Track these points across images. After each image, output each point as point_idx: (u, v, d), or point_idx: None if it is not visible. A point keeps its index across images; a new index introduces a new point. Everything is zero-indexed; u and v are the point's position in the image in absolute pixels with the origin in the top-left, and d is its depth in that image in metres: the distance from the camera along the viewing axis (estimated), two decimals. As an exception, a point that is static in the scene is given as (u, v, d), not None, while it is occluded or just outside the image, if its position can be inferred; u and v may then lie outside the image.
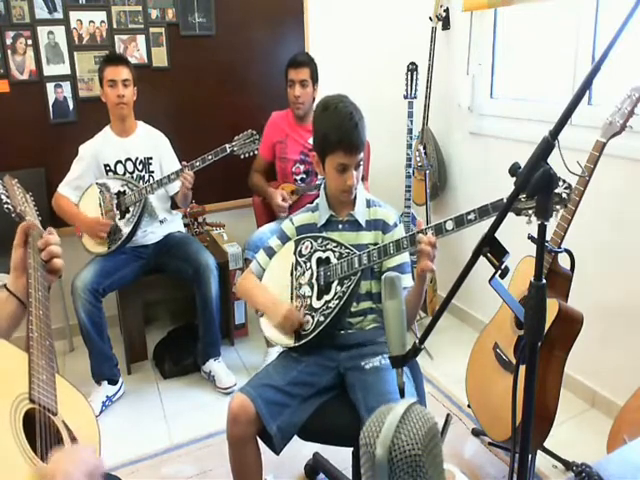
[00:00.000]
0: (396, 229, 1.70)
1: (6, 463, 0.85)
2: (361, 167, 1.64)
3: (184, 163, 2.51)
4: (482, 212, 1.41)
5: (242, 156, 2.54)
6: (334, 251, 1.64)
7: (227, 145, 2.50)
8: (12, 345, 1.05)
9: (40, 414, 0.96)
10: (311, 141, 1.78)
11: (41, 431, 0.93)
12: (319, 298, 1.63)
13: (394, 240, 1.54)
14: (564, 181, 1.19)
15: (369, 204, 1.73)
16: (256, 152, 2.59)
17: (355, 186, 1.64)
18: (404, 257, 1.67)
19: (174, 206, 2.87)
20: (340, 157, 1.58)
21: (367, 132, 1.62)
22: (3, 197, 1.38)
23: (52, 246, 1.21)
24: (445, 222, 1.46)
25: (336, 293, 1.60)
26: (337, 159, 1.59)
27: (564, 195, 1.21)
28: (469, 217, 1.42)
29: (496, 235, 1.04)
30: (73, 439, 0.99)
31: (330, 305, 1.60)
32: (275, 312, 1.66)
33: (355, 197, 1.69)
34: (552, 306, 1.71)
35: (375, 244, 1.67)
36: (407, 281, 1.64)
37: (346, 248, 1.62)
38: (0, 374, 0.98)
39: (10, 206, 1.35)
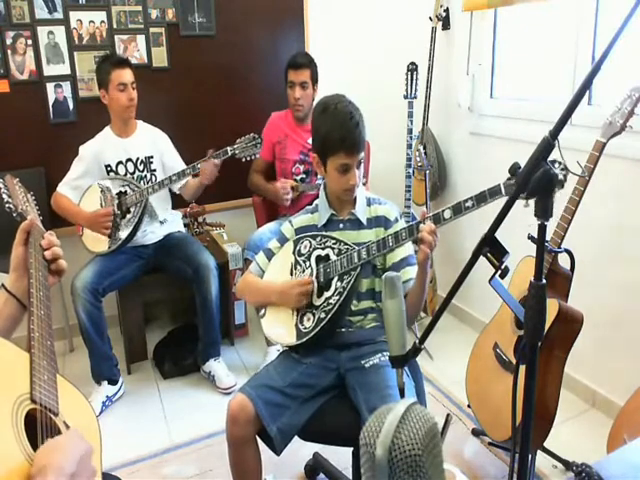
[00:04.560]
0: (397, 224, 1.70)
1: (8, 463, 0.85)
2: (362, 165, 1.65)
3: (210, 151, 2.50)
4: (479, 199, 1.41)
5: (243, 159, 2.54)
6: (333, 248, 1.64)
7: (229, 148, 2.50)
8: (13, 345, 1.05)
9: (41, 414, 0.95)
10: (310, 141, 1.77)
11: (42, 432, 0.93)
12: (319, 295, 1.64)
13: (392, 232, 1.54)
14: (560, 163, 1.18)
15: (369, 202, 1.74)
16: (257, 156, 2.59)
17: (357, 185, 1.64)
18: (408, 250, 1.67)
19: (174, 206, 2.88)
20: (342, 158, 1.58)
21: (367, 132, 1.63)
22: (4, 196, 1.38)
23: (56, 247, 1.21)
24: (443, 211, 1.47)
25: (336, 289, 1.60)
26: (339, 160, 1.59)
27: (560, 176, 1.19)
28: (467, 204, 1.43)
29: (496, 235, 1.04)
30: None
31: (330, 302, 1.60)
32: (283, 291, 1.66)
33: (355, 196, 1.69)
34: (552, 306, 1.71)
35: None
36: (413, 272, 1.64)
37: (345, 244, 1.62)
38: (1, 374, 0.97)
39: (11, 205, 1.35)
